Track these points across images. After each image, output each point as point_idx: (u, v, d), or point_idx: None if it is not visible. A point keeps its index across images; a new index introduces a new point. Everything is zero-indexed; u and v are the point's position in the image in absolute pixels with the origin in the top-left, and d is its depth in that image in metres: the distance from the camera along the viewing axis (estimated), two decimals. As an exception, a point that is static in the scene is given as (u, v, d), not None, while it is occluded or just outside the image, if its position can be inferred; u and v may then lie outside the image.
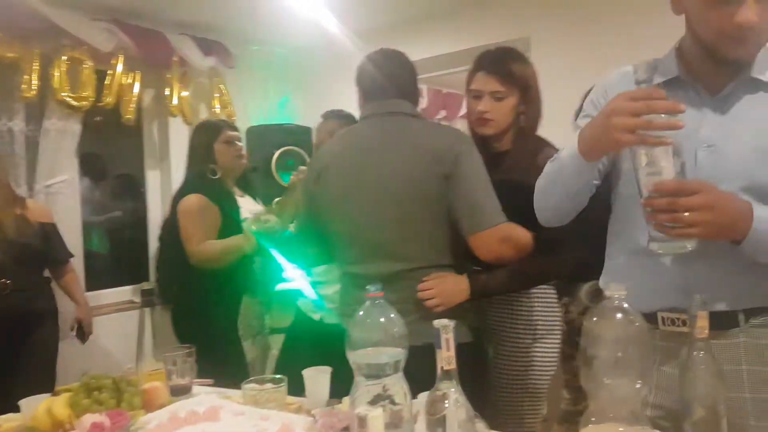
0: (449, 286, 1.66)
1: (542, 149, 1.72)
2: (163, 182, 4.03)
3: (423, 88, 5.46)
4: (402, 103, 1.76)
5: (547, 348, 1.83)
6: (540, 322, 1.81)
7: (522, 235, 1.64)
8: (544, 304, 1.83)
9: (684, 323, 1.15)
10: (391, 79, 1.76)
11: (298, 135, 4.14)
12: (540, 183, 1.32)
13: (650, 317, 1.09)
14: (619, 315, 0.95)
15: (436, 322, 0.97)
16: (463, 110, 6.65)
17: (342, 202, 1.75)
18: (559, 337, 1.87)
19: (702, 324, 0.94)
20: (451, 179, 1.62)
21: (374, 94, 1.79)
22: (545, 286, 1.82)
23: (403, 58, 1.86)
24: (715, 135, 1.13)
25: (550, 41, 3.56)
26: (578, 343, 2.08)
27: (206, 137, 2.68)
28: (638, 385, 0.94)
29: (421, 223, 1.66)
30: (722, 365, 1.13)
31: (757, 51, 1.11)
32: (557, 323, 1.86)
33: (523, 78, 1.77)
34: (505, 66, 1.77)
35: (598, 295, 2.05)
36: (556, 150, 1.64)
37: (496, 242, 1.62)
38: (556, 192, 1.27)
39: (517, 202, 1.54)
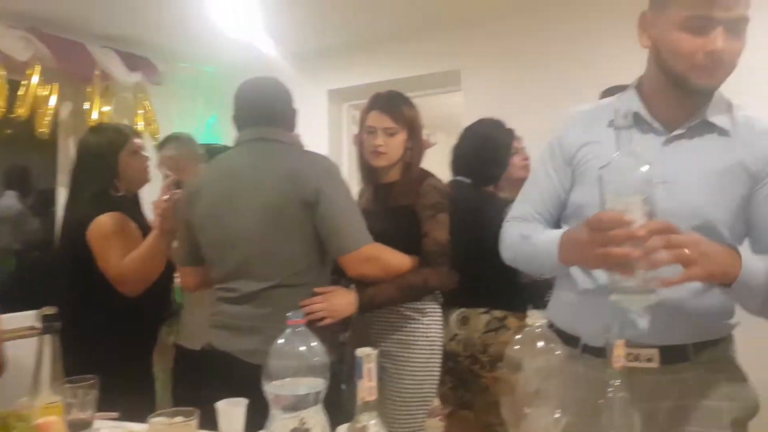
0: (337, 300, 1.79)
1: (425, 179, 2.00)
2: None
3: (356, 114, 5.50)
4: (272, 130, 1.84)
5: (440, 361, 1.99)
6: (436, 337, 1.97)
7: (389, 256, 1.84)
8: (436, 321, 1.99)
9: (636, 358, 1.17)
10: (263, 107, 1.86)
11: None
12: (510, 253, 1.36)
13: (600, 351, 1.09)
14: (540, 344, 0.95)
15: (359, 351, 0.94)
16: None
17: (209, 224, 1.83)
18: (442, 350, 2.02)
19: (618, 353, 0.96)
20: (313, 205, 1.71)
21: (246, 121, 1.88)
22: (435, 305, 1.98)
23: (278, 85, 1.94)
24: (669, 172, 1.15)
25: (479, 74, 3.66)
26: (448, 367, 2.19)
27: (109, 145, 2.24)
28: (557, 415, 0.94)
29: (281, 244, 1.74)
30: (669, 400, 1.18)
31: (723, 81, 1.16)
32: (443, 337, 2.02)
33: (411, 118, 2.03)
34: (396, 106, 2.01)
35: (465, 322, 2.21)
36: (436, 179, 1.97)
37: (360, 263, 1.77)
38: (530, 268, 1.38)
39: (401, 225, 1.89)
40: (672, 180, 1.16)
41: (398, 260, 1.87)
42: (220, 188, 1.83)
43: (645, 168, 1.01)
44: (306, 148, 2.00)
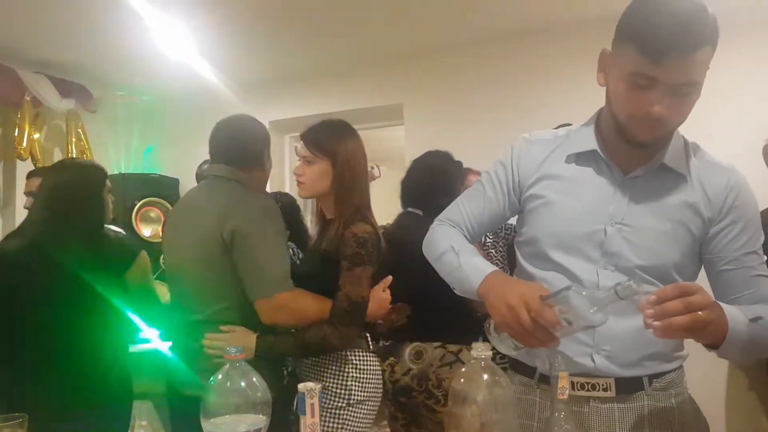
0: (236, 341, 1.69)
1: (354, 223, 1.74)
2: (5, 230, 3.62)
3: (299, 145, 5.47)
4: (222, 167, 1.86)
5: (362, 413, 1.77)
6: (355, 388, 1.76)
7: (305, 305, 1.72)
8: (360, 370, 1.78)
9: (593, 387, 1.18)
10: (219, 144, 1.89)
11: (163, 186, 3.94)
12: (432, 253, 1.31)
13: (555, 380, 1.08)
14: (485, 376, 0.94)
15: (301, 386, 0.91)
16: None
17: (166, 256, 1.94)
18: (376, 402, 1.82)
19: (563, 384, 0.96)
20: (229, 246, 1.70)
21: (210, 157, 1.94)
22: (363, 352, 1.79)
23: (241, 123, 1.95)
24: (622, 213, 1.16)
25: (420, 108, 3.74)
26: (401, 402, 2.16)
27: (99, 183, 2.15)
28: (504, 448, 0.94)
29: (205, 281, 1.77)
30: (624, 428, 1.18)
31: (664, 138, 1.15)
32: (375, 389, 1.81)
33: (331, 148, 1.79)
34: (315, 134, 1.84)
35: (419, 356, 2.17)
36: (363, 225, 1.70)
37: (272, 311, 1.70)
38: (444, 276, 1.29)
39: (325, 271, 1.70)
40: (627, 222, 1.16)
41: (315, 310, 1.71)
42: (172, 222, 1.97)
43: (592, 311, 0.98)
44: (259, 188, 1.97)
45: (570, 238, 1.19)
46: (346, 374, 1.77)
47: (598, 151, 1.20)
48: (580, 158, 1.22)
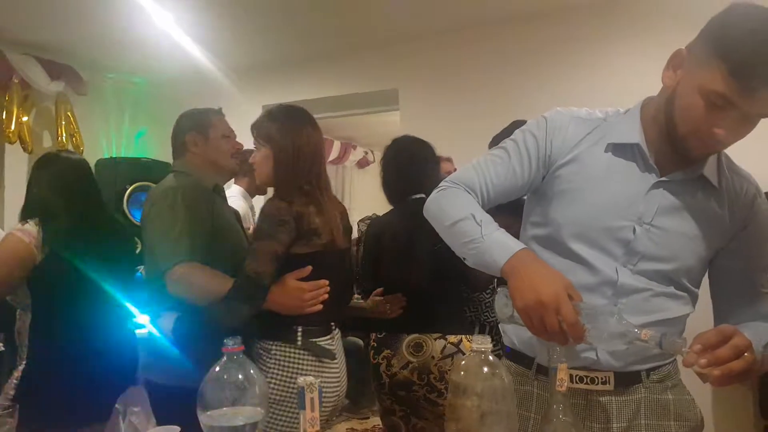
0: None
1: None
2: (-6, 212, 3.58)
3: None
4: (174, 161, 2.04)
5: (280, 415, 1.68)
6: (273, 385, 1.66)
7: (200, 280, 1.70)
8: (281, 366, 1.69)
9: (592, 381, 1.17)
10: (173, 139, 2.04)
11: (154, 170, 3.89)
12: (441, 216, 1.21)
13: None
14: (485, 369, 0.94)
15: (301, 380, 0.90)
16: (334, 155, 6.79)
17: None
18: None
19: (562, 376, 0.96)
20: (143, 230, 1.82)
21: None
22: (288, 347, 1.68)
23: (179, 118, 2.06)
24: (652, 214, 1.13)
25: (416, 93, 3.71)
26: (399, 396, 2.11)
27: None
28: (503, 440, 0.93)
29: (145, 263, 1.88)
30: (623, 420, 1.18)
31: (719, 151, 1.14)
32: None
33: (268, 133, 1.81)
34: (257, 122, 1.87)
35: (419, 348, 2.10)
36: (274, 201, 1.65)
37: (172, 284, 1.70)
38: (451, 243, 1.20)
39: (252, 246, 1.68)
40: (656, 224, 1.13)
41: (214, 285, 1.66)
42: None
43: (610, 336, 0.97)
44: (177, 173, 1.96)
45: (594, 230, 1.15)
46: (266, 369, 1.68)
47: (642, 146, 1.15)
48: (619, 149, 1.16)
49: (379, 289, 2.21)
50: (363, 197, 7.44)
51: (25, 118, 3.54)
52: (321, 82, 3.99)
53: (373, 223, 2.45)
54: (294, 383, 1.65)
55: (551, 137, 1.20)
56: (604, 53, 3.16)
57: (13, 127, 3.46)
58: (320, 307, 1.69)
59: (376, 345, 2.21)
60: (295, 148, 1.76)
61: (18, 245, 1.96)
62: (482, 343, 0.95)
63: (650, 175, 1.15)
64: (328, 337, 1.78)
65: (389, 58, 3.77)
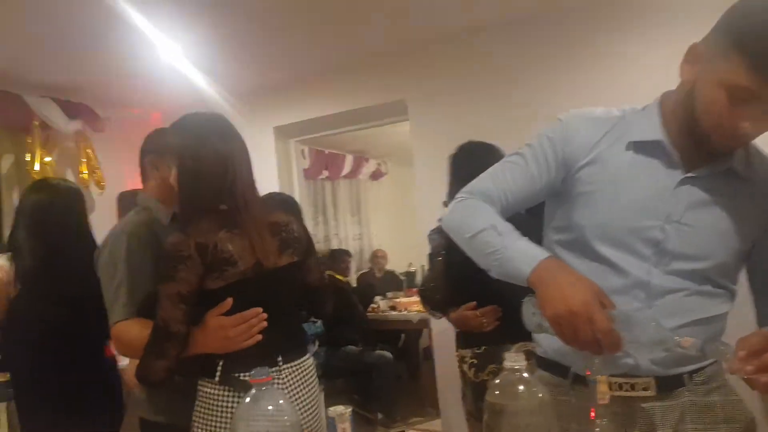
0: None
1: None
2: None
3: (305, 148, 5.48)
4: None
5: None
6: (197, 425, 1.52)
7: (133, 335, 1.52)
8: (204, 405, 1.52)
9: (632, 387, 1.13)
10: None
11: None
12: (461, 229, 1.18)
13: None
14: (521, 387, 0.91)
15: (332, 410, 0.88)
16: (347, 169, 6.82)
17: None
18: None
19: (603, 389, 0.93)
20: None
21: None
22: (211, 385, 1.51)
23: (145, 139, 1.89)
24: (681, 212, 1.11)
25: (424, 104, 3.69)
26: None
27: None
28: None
29: None
30: (667, 426, 1.14)
31: (745, 144, 1.10)
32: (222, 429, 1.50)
33: (170, 148, 1.62)
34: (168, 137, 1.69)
35: (531, 356, 1.99)
36: (181, 233, 1.46)
37: (114, 343, 1.64)
38: (483, 262, 1.17)
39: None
40: (686, 221, 1.11)
41: (139, 339, 1.49)
42: None
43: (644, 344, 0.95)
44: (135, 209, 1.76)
45: (621, 231, 1.12)
46: (195, 409, 1.54)
47: (664, 142, 1.12)
48: (640, 147, 1.13)
49: (472, 303, 2.09)
50: (377, 209, 7.45)
51: (48, 159, 3.61)
52: (330, 98, 4.00)
53: None
54: (215, 423, 1.49)
55: (568, 139, 1.18)
56: (616, 52, 3.10)
57: (37, 167, 3.52)
58: (258, 337, 1.50)
59: (477, 362, 2.07)
60: (198, 163, 1.52)
61: None
62: (516, 361, 0.93)
63: (676, 171, 1.11)
64: (272, 371, 1.48)
65: (395, 70, 3.76)
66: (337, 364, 4.35)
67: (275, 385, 1.02)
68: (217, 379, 1.50)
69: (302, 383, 1.59)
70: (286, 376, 1.56)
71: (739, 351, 0.90)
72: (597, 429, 0.94)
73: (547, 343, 1.26)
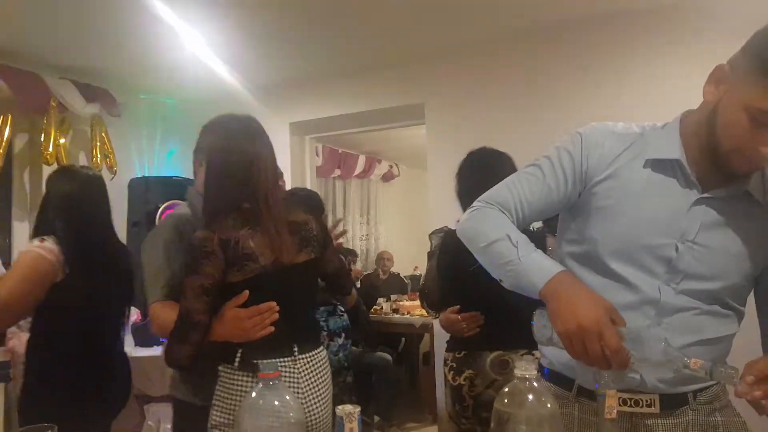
0: None
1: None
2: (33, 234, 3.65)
3: (319, 146, 5.49)
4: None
5: None
6: (216, 408, 1.60)
7: (166, 316, 1.62)
8: (225, 389, 1.59)
9: (636, 403, 1.13)
10: None
11: (185, 188, 3.93)
12: (477, 238, 1.19)
13: (594, 395, 1.05)
14: (530, 396, 0.91)
15: (339, 409, 0.88)
16: (359, 169, 6.82)
17: None
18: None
19: (611, 404, 0.92)
20: None
21: None
22: (230, 369, 1.59)
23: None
24: (695, 231, 1.11)
25: (442, 108, 3.70)
26: (483, 418, 1.98)
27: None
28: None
29: None
30: None
31: (755, 172, 1.10)
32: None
33: (200, 148, 1.81)
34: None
35: (504, 366, 1.98)
36: (208, 230, 1.53)
37: (150, 319, 1.74)
38: (486, 265, 1.18)
39: None
40: (699, 241, 1.10)
41: (166, 322, 1.60)
42: None
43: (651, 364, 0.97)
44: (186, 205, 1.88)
45: (634, 248, 1.12)
46: (216, 393, 1.61)
47: (682, 161, 1.11)
48: (658, 165, 1.13)
49: (456, 307, 2.13)
50: (388, 210, 7.45)
51: (62, 141, 3.62)
52: (347, 97, 4.01)
53: (449, 235, 2.36)
54: (233, 405, 1.56)
55: (587, 153, 1.17)
56: (641, 62, 3.10)
57: (51, 149, 3.54)
58: (271, 329, 1.57)
59: (455, 365, 2.09)
60: (224, 163, 1.61)
61: (43, 264, 1.89)
62: (526, 369, 0.92)
63: (692, 191, 1.11)
64: (287, 359, 1.59)
65: (415, 73, 3.77)
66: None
67: (280, 379, 1.02)
68: (236, 364, 1.58)
69: (317, 374, 1.66)
70: (301, 366, 1.63)
71: (747, 375, 0.90)
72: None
73: (553, 355, 1.25)
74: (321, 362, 1.69)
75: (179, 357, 1.55)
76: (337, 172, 6.46)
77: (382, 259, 6.18)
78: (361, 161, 6.77)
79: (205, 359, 1.57)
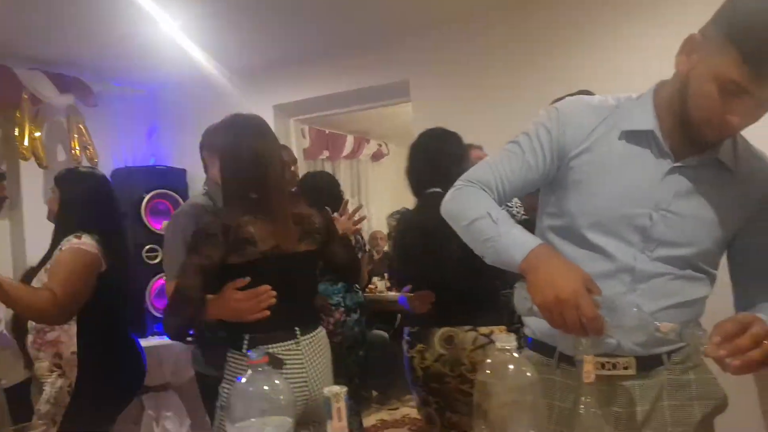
0: None
1: None
2: (13, 233, 3.62)
3: (305, 128, 5.45)
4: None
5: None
6: (225, 391, 1.74)
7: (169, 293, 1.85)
8: (232, 373, 1.74)
9: (614, 366, 1.17)
10: None
11: (169, 177, 3.92)
12: (460, 217, 1.21)
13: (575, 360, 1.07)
14: (510, 367, 0.93)
15: (326, 390, 0.90)
16: (348, 149, 6.78)
17: None
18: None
19: (588, 368, 0.95)
20: None
21: None
22: (238, 354, 1.73)
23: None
24: (668, 200, 1.13)
25: (427, 84, 3.67)
26: (433, 388, 2.13)
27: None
28: (532, 437, 0.93)
29: None
30: (646, 403, 1.18)
31: (725, 140, 1.12)
32: None
33: (213, 145, 2.08)
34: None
35: (450, 341, 2.12)
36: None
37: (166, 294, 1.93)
38: (469, 242, 1.20)
39: None
40: (672, 209, 1.13)
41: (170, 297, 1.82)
42: None
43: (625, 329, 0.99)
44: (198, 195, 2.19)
45: (611, 218, 1.15)
46: (224, 377, 1.75)
47: (656, 132, 1.14)
48: (633, 136, 1.16)
49: (408, 286, 2.26)
50: (378, 190, 7.43)
51: (37, 134, 3.55)
52: (331, 77, 3.96)
53: (402, 218, 2.46)
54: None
55: (564, 128, 1.19)
56: (623, 33, 3.08)
57: (26, 143, 3.47)
58: (266, 313, 1.68)
59: (410, 339, 2.24)
60: (234, 158, 1.78)
61: (88, 257, 2.01)
62: (506, 341, 0.94)
63: (665, 161, 1.14)
64: (291, 342, 1.73)
65: (398, 50, 3.72)
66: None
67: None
68: (244, 350, 1.71)
69: (319, 353, 1.80)
70: (305, 347, 1.76)
71: (714, 336, 0.93)
72: (581, 406, 0.97)
73: (535, 324, 1.29)
74: (321, 342, 1.83)
75: (171, 328, 1.71)
76: (326, 153, 6.43)
77: (375, 239, 6.20)
78: (350, 141, 6.72)
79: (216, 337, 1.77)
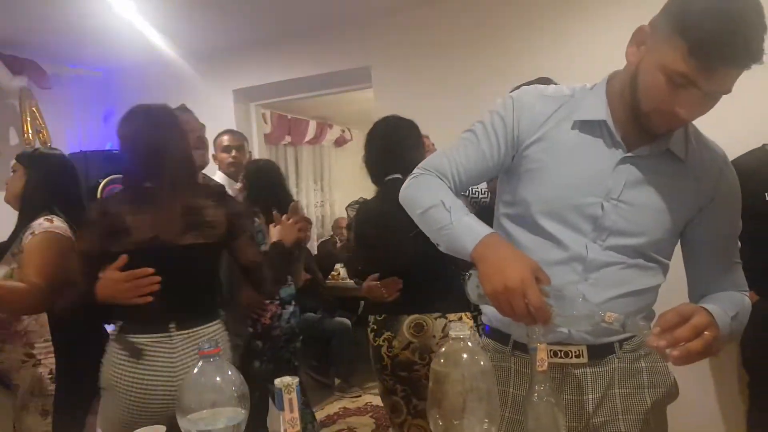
0: None
1: None
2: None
3: (267, 113, 5.38)
4: None
5: (108, 402, 1.85)
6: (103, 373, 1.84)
7: None
8: (105, 357, 1.82)
9: (566, 354, 1.19)
10: None
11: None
12: (415, 203, 1.22)
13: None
14: (464, 356, 0.93)
15: (278, 381, 0.88)
16: (310, 135, 6.70)
17: None
18: (124, 394, 1.77)
19: (542, 356, 0.96)
20: None
21: None
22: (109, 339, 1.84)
23: None
24: (619, 190, 1.14)
25: (389, 70, 3.65)
26: (401, 376, 2.14)
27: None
28: (485, 425, 0.93)
29: None
30: (597, 391, 1.21)
31: (675, 130, 1.13)
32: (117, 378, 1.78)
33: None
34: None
35: (419, 329, 2.13)
36: None
37: None
38: (426, 231, 1.21)
39: None
40: (623, 199, 1.14)
41: None
42: None
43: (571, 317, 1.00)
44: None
45: (563, 207, 1.16)
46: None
47: (607, 123, 1.15)
48: (585, 126, 1.17)
49: (375, 275, 2.22)
50: (342, 176, 7.39)
51: (-12, 117, 3.44)
52: (293, 62, 3.91)
53: (362, 208, 2.43)
54: (109, 375, 1.77)
55: (519, 117, 1.20)
56: (585, 22, 3.11)
57: (-24, 126, 3.36)
58: (148, 299, 1.72)
59: (376, 327, 2.21)
60: (127, 148, 1.84)
61: (64, 242, 1.94)
62: (460, 330, 0.95)
63: (617, 150, 1.15)
64: (162, 335, 1.75)
65: (360, 35, 3.69)
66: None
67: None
68: (112, 337, 1.80)
69: (194, 350, 1.76)
70: (177, 343, 1.77)
71: (655, 327, 0.95)
72: (535, 394, 0.98)
73: (491, 312, 1.30)
74: (203, 339, 1.73)
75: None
76: (288, 138, 6.35)
77: (339, 226, 6.16)
78: (312, 126, 6.66)
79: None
